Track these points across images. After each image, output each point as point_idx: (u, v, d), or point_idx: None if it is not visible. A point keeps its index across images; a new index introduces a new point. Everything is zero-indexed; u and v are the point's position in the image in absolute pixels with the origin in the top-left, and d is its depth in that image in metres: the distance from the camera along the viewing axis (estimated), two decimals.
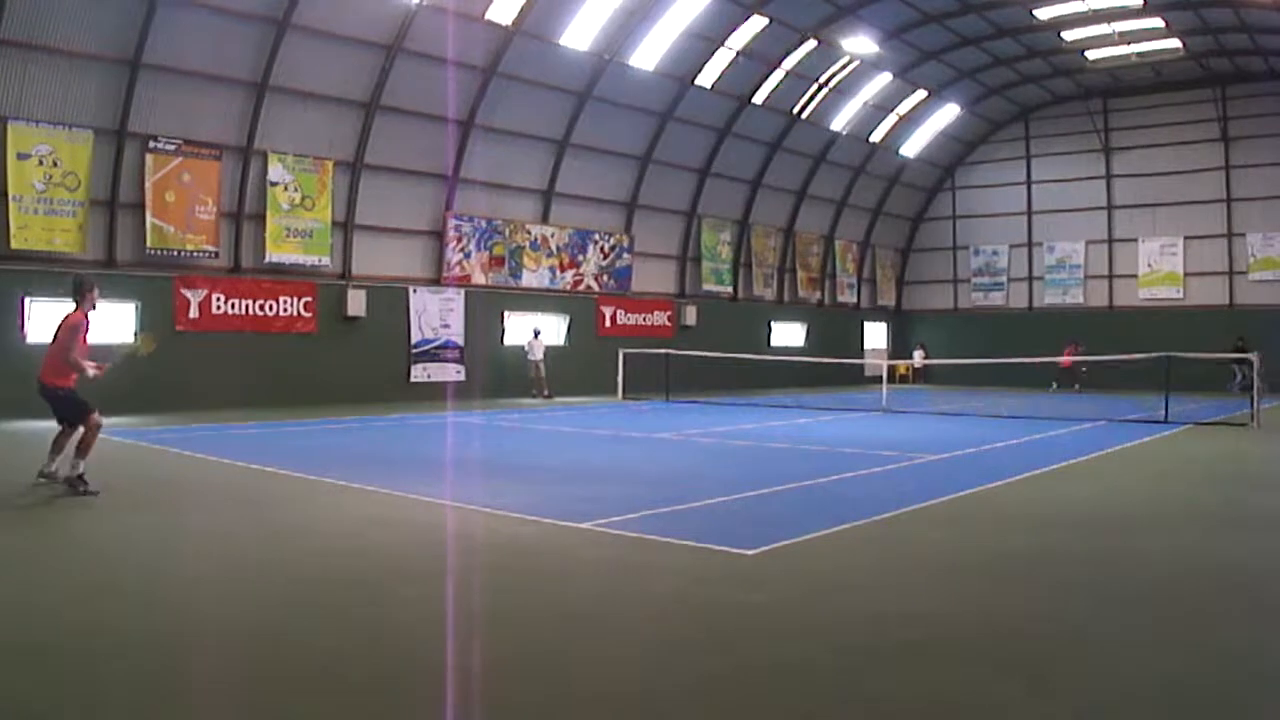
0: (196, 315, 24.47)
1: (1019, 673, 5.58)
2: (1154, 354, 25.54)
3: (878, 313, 47.44)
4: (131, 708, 4.99)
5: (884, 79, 37.77)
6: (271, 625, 6.46)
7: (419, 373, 29.18)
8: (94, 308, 11.85)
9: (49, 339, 11.78)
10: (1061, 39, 36.17)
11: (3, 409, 19.95)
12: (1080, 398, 33.18)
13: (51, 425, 12.08)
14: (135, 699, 5.10)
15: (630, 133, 33.58)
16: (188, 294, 24.37)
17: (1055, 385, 38.71)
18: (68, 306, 11.83)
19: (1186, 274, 40.51)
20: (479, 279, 30.70)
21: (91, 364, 11.42)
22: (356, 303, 27.41)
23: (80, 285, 11.81)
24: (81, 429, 11.56)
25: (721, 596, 7.23)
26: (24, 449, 14.44)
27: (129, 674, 5.46)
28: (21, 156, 21.49)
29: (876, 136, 41.44)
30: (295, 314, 26.32)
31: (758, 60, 33.76)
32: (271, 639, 6.18)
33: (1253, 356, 23.94)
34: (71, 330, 11.42)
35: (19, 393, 20.04)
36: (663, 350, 31.85)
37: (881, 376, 31.32)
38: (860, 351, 45.74)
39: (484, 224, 30.67)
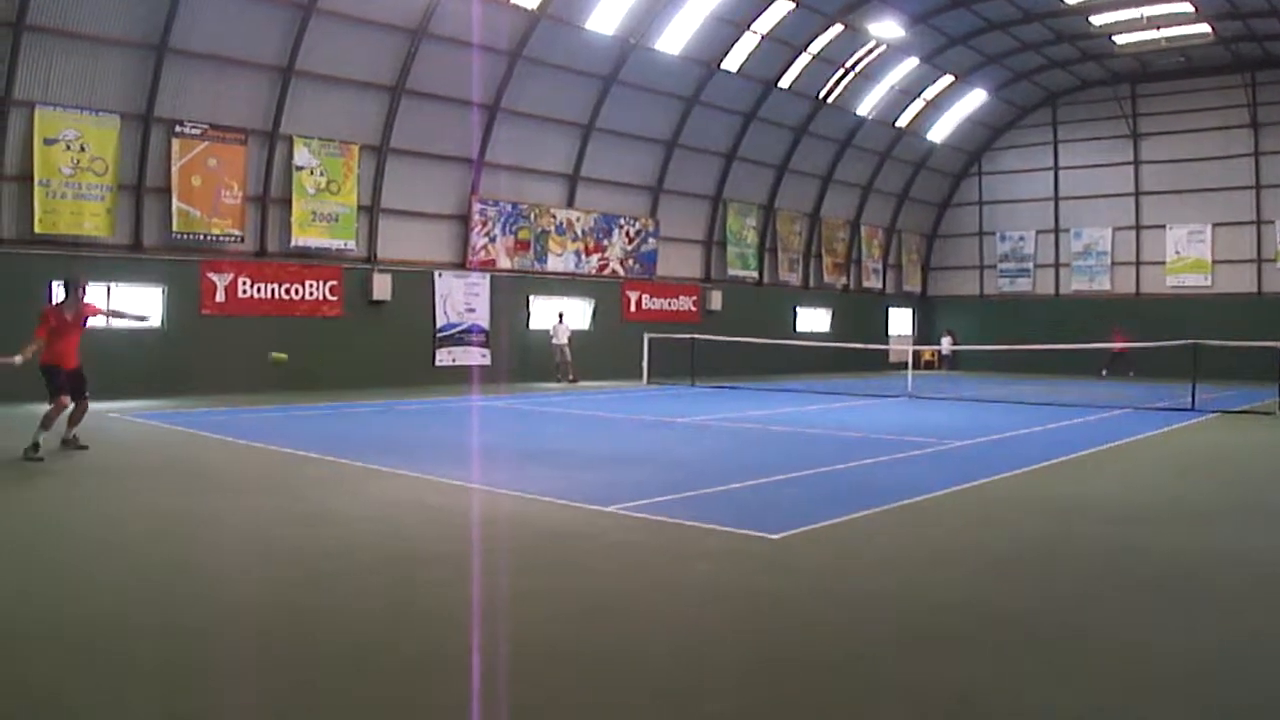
0: (223, 299, 24.59)
1: (1045, 660, 5.57)
2: (1181, 341, 25.39)
3: (903, 298, 47.23)
4: (162, 688, 5.04)
5: (910, 64, 37.54)
6: (301, 606, 6.50)
7: (444, 357, 29.24)
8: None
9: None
10: (1090, 23, 35.83)
11: (34, 394, 20.09)
12: (1119, 385, 33.00)
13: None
14: (166, 679, 5.15)
15: (656, 117, 33.50)
16: (214, 278, 24.48)
17: (1105, 372, 38.38)
18: (95, 291, 12.78)
19: (1214, 261, 40.13)
20: (504, 263, 30.73)
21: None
22: (382, 287, 27.47)
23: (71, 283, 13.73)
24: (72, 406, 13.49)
25: (746, 580, 7.24)
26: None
27: (159, 654, 5.52)
28: (49, 141, 21.61)
29: (903, 121, 41.20)
30: (321, 298, 26.41)
31: (784, 44, 33.59)
32: (301, 619, 6.22)
33: None
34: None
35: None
36: (688, 335, 31.84)
37: (907, 363, 31.27)
38: (885, 337, 45.58)
39: (509, 208, 30.68)
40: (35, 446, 12.62)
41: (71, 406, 13.45)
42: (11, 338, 21.02)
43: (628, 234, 34.20)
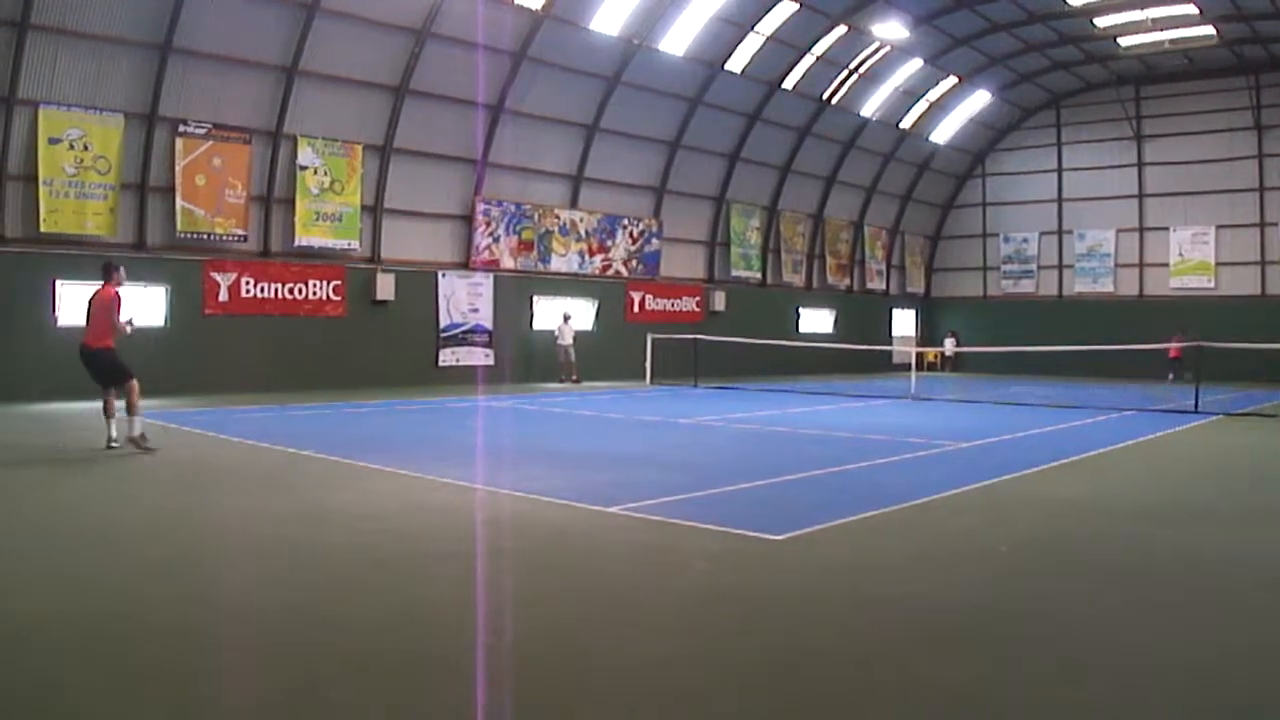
0: (226, 299, 24.60)
1: (1047, 660, 5.56)
2: (1186, 343, 25.35)
3: (906, 300, 47.24)
4: (163, 688, 5.03)
5: (914, 65, 37.54)
6: (304, 604, 6.50)
7: (447, 357, 29.24)
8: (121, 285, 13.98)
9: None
10: (1094, 25, 35.83)
11: (40, 393, 20.25)
12: (1122, 388, 32.94)
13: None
14: (167, 679, 5.15)
15: (660, 118, 33.50)
16: (217, 277, 24.50)
17: (1172, 376, 34.81)
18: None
19: (1218, 263, 40.10)
20: (508, 263, 30.73)
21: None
22: (385, 286, 27.47)
23: (108, 266, 14.10)
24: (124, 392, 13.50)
25: (749, 581, 7.23)
26: (55, 428, 14.55)
27: (160, 654, 5.51)
28: (53, 141, 21.62)
29: (906, 123, 41.20)
30: (324, 297, 26.41)
31: (787, 46, 33.57)
32: (303, 619, 6.22)
33: None
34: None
35: (53, 376, 20.36)
36: (691, 336, 31.82)
37: (910, 364, 31.24)
38: (889, 338, 45.57)
39: (513, 208, 30.68)
40: (141, 436, 13.33)
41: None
42: (15, 336, 21.21)
43: (631, 234, 34.20)
